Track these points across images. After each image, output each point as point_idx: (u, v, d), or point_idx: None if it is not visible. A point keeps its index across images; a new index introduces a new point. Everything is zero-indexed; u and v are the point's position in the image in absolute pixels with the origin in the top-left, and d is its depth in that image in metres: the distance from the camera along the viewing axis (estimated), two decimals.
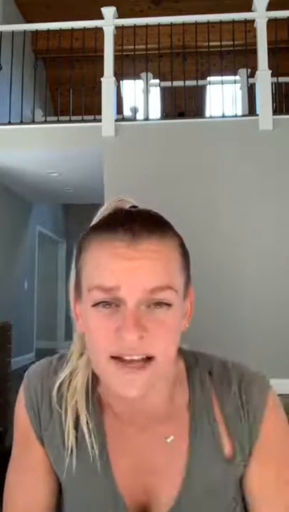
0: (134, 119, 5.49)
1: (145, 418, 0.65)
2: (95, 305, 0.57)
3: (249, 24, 4.76)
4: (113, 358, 0.56)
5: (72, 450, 0.65)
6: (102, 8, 4.79)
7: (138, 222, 0.58)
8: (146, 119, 5.05)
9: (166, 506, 0.63)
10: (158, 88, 6.04)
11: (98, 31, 4.81)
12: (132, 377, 0.56)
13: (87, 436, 0.65)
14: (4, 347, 3.48)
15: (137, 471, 0.65)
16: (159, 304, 0.56)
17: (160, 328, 0.56)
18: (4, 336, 3.49)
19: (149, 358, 0.56)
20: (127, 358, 0.55)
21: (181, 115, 5.18)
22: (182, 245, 0.62)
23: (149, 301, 0.56)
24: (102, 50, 4.73)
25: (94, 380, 0.68)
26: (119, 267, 0.55)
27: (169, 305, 0.57)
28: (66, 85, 5.01)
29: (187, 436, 0.64)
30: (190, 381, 0.67)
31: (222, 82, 4.92)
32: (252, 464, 0.64)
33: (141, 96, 5.58)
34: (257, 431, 0.64)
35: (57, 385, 0.67)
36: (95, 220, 0.64)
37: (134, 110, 5.62)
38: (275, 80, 4.75)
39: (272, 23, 4.68)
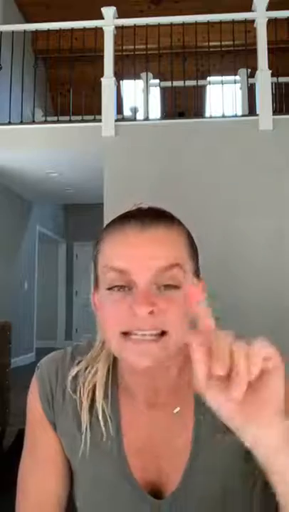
0: (134, 119, 5.49)
1: (158, 394, 0.69)
2: (110, 288, 0.61)
3: (249, 24, 4.77)
4: (125, 333, 0.59)
5: (86, 430, 0.68)
6: (102, 8, 4.79)
7: (148, 215, 0.64)
8: (147, 119, 5.05)
9: (176, 481, 0.67)
10: (158, 88, 6.05)
11: (98, 31, 4.82)
12: (143, 348, 0.59)
13: (101, 416, 0.68)
14: (4, 347, 3.48)
15: (148, 446, 0.68)
16: (168, 286, 0.60)
17: (171, 305, 0.59)
18: (4, 336, 3.49)
19: (161, 334, 0.59)
20: (139, 333, 0.58)
21: (181, 115, 5.18)
22: (190, 237, 0.67)
23: (159, 282, 0.59)
24: (102, 50, 4.74)
25: (113, 363, 0.71)
26: (130, 252, 0.61)
27: (177, 286, 0.60)
28: (66, 85, 5.02)
29: (192, 412, 0.68)
30: None
31: (222, 82, 4.93)
32: None
33: (141, 96, 5.58)
34: None
35: (76, 368, 0.70)
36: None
37: (134, 110, 5.62)
38: (275, 79, 4.76)
39: (272, 23, 4.68)
